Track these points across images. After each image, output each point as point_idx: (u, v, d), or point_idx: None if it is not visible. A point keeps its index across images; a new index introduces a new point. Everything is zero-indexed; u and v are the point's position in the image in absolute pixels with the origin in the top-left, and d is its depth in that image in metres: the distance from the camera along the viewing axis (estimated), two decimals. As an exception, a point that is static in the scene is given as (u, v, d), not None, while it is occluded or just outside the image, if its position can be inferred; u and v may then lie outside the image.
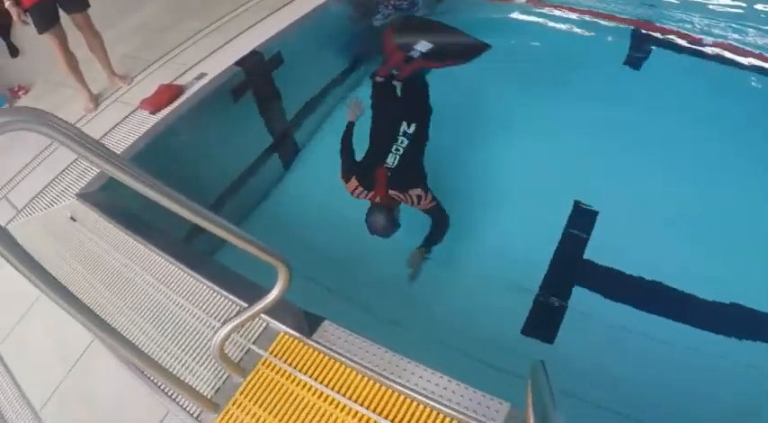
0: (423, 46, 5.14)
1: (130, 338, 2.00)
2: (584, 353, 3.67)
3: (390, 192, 4.01)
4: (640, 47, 5.68)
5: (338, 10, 5.83)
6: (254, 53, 4.83)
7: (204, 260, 3.19)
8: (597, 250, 4.25)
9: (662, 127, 4.98)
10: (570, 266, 4.22)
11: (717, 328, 3.78)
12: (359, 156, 4.31)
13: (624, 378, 3.50)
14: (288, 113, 5.20)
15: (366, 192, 4.04)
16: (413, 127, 4.31)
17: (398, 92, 4.84)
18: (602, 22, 5.88)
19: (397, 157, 4.15)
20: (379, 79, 4.95)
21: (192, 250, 3.49)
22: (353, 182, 4.07)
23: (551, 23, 6.02)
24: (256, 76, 4.77)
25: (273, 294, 2.14)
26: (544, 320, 3.92)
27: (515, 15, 6.17)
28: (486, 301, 3.96)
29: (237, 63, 4.70)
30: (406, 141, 4.22)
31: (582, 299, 4.02)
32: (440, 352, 3.49)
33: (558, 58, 5.65)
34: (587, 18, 5.92)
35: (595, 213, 4.48)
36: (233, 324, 2.20)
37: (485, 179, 4.71)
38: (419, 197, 4.03)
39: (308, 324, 2.59)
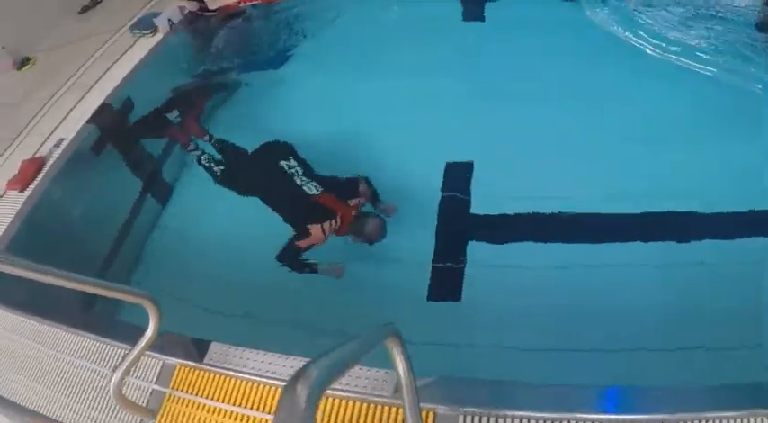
0: (173, 115, 5.28)
1: (39, 409, 2.07)
2: (492, 299, 3.84)
3: (351, 202, 4.11)
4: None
5: (179, 43, 5.95)
6: (103, 106, 4.87)
7: (89, 316, 3.27)
8: (479, 201, 4.44)
9: (514, 69, 5.31)
10: (457, 224, 4.38)
11: (614, 239, 4.05)
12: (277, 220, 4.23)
13: (534, 312, 3.67)
14: (153, 153, 5.26)
15: (332, 222, 4.02)
16: (291, 159, 4.35)
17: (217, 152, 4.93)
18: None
19: (311, 182, 4.19)
20: (197, 153, 4.91)
21: (77, 310, 3.52)
22: (316, 229, 3.99)
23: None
24: (111, 127, 4.83)
25: (149, 333, 2.25)
26: (446, 282, 4.04)
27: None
28: (387, 282, 4.07)
29: (90, 120, 4.72)
30: (300, 169, 4.27)
31: (477, 251, 4.18)
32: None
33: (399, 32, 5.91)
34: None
35: (470, 168, 4.67)
36: (121, 370, 2.30)
37: (359, 165, 4.74)
38: (368, 182, 4.33)
39: (197, 350, 2.71)
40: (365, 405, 2.41)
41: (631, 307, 3.58)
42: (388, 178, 4.63)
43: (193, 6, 6.22)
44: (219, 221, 4.59)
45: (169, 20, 5.90)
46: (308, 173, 4.26)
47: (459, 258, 4.17)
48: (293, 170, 4.25)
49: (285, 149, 4.45)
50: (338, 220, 4.03)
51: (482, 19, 6.02)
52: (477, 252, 4.17)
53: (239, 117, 5.56)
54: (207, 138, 5.04)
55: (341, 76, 5.59)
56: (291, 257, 4.03)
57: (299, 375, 1.08)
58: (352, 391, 2.41)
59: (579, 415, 2.22)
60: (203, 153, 4.82)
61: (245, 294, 4.11)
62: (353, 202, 4.14)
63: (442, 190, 4.58)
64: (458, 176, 4.64)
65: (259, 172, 4.41)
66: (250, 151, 4.64)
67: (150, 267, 4.57)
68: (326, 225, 4.00)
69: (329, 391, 2.42)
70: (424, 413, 2.29)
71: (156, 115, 5.30)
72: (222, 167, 4.65)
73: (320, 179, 4.23)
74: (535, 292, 3.83)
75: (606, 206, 4.19)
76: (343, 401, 2.43)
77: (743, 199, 4.02)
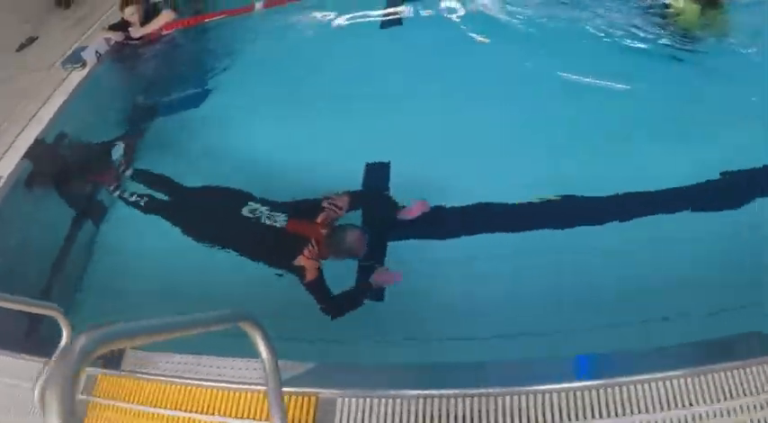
0: (116, 151, 5.32)
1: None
2: (417, 295, 3.95)
3: (318, 219, 4.03)
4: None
5: (106, 74, 6.22)
6: (37, 141, 5.10)
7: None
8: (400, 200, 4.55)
9: (427, 71, 5.58)
10: (380, 224, 4.46)
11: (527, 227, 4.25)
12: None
13: (458, 307, 3.82)
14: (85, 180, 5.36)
15: (309, 247, 3.88)
16: (251, 203, 4.19)
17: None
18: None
19: (277, 214, 4.08)
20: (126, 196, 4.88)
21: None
22: (304, 260, 3.84)
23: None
24: (45, 160, 5.04)
25: (63, 343, 2.50)
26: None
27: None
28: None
29: (24, 155, 4.95)
30: (264, 208, 4.14)
31: (397, 249, 4.31)
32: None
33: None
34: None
35: (387, 167, 4.88)
36: (40, 382, 2.56)
37: (280, 177, 4.85)
38: (337, 197, 4.23)
39: (114, 358, 2.96)
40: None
41: (550, 292, 3.78)
42: (316, 186, 4.61)
43: (118, 37, 6.49)
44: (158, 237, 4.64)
45: (96, 52, 6.17)
46: (274, 207, 4.15)
47: (380, 258, 4.25)
48: (257, 213, 4.10)
49: (240, 196, 4.29)
50: (313, 243, 3.90)
51: (399, 23, 6.31)
52: (398, 251, 4.30)
53: (165, 153, 5.52)
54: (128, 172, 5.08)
55: (261, 94, 5.77)
56: (329, 298, 3.84)
57: (88, 328, 1.21)
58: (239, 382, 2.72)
59: (455, 391, 2.48)
60: (139, 195, 4.82)
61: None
62: (320, 218, 4.04)
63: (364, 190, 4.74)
64: (378, 177, 4.82)
65: (222, 226, 4.24)
66: (193, 198, 4.60)
67: (93, 284, 4.69)
68: (307, 252, 3.85)
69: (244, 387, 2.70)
70: (306, 398, 2.59)
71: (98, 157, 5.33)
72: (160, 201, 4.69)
73: (284, 207, 4.14)
74: (457, 286, 3.96)
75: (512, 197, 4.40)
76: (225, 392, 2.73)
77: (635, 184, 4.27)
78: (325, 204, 4.13)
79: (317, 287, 3.83)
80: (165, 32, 6.60)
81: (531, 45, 5.42)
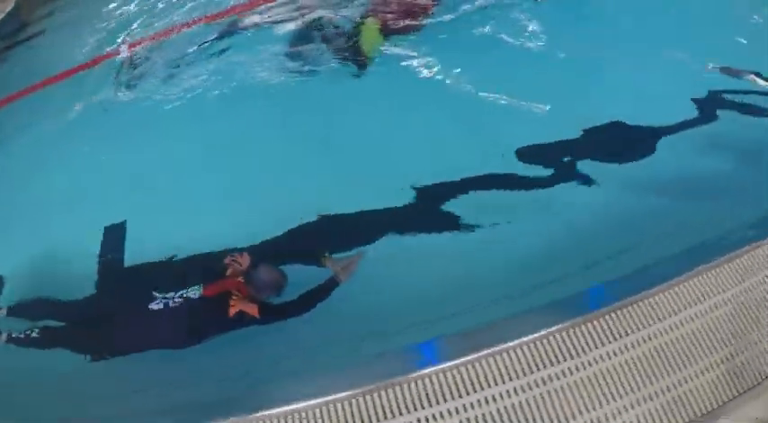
0: None
1: None
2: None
3: (229, 272, 4.14)
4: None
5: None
6: None
7: None
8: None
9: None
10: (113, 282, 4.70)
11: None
12: None
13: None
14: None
15: (233, 294, 3.97)
16: (155, 292, 4.08)
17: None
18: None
19: (190, 288, 4.04)
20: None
21: None
22: (236, 306, 3.91)
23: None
24: None
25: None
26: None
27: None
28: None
29: None
30: (169, 292, 4.06)
31: None
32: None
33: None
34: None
35: (123, 227, 5.07)
36: None
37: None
38: (236, 255, 4.23)
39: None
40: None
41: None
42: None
43: None
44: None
45: None
46: (180, 287, 4.09)
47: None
48: (166, 299, 4.02)
49: (139, 295, 4.13)
50: (235, 292, 3.96)
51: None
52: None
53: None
54: None
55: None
56: (288, 307, 4.00)
57: None
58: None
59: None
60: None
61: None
62: (229, 271, 4.13)
63: (100, 254, 4.87)
64: (113, 238, 4.98)
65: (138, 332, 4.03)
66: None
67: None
68: (234, 299, 3.91)
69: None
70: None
71: None
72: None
73: (190, 281, 4.12)
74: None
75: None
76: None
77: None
78: (227, 261, 4.21)
79: (268, 311, 3.94)
80: None
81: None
